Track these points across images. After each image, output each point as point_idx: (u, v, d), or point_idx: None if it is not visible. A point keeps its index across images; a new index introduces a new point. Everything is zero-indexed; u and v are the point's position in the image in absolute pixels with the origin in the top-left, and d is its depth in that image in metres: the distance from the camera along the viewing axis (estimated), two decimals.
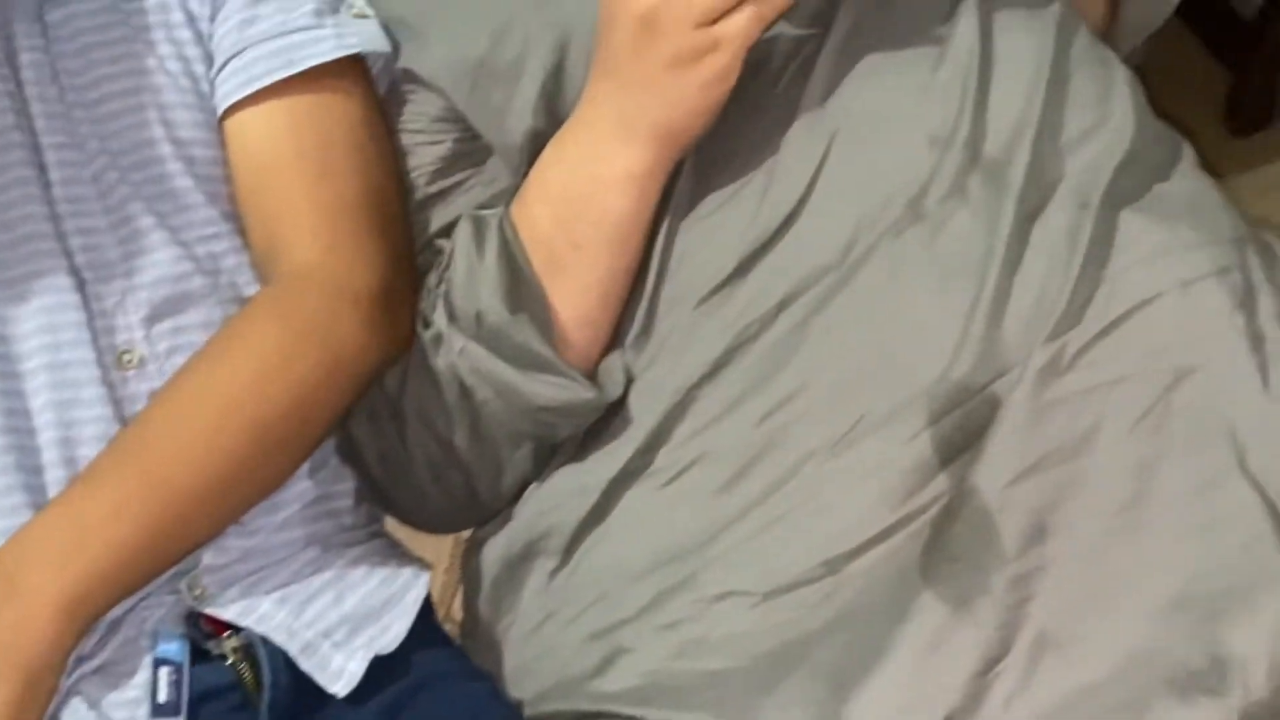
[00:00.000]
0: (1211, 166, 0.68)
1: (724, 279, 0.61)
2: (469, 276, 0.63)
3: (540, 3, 0.65)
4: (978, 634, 0.54)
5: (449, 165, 0.69)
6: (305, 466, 0.64)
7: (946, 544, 0.55)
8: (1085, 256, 0.58)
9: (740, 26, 0.54)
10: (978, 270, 0.58)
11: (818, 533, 0.57)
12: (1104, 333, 0.57)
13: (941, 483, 0.56)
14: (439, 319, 0.64)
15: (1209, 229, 0.61)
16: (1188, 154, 0.66)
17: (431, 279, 0.66)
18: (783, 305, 0.60)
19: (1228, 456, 0.56)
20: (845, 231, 0.60)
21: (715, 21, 0.54)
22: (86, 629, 0.55)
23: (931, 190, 0.60)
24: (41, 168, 0.61)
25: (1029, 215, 0.59)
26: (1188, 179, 0.64)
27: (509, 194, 0.67)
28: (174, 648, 0.59)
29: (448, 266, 0.65)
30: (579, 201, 0.62)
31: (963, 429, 0.57)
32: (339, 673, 0.61)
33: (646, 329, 0.64)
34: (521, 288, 0.62)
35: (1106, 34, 0.74)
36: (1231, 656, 0.53)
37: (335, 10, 0.67)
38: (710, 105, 0.58)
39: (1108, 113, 0.63)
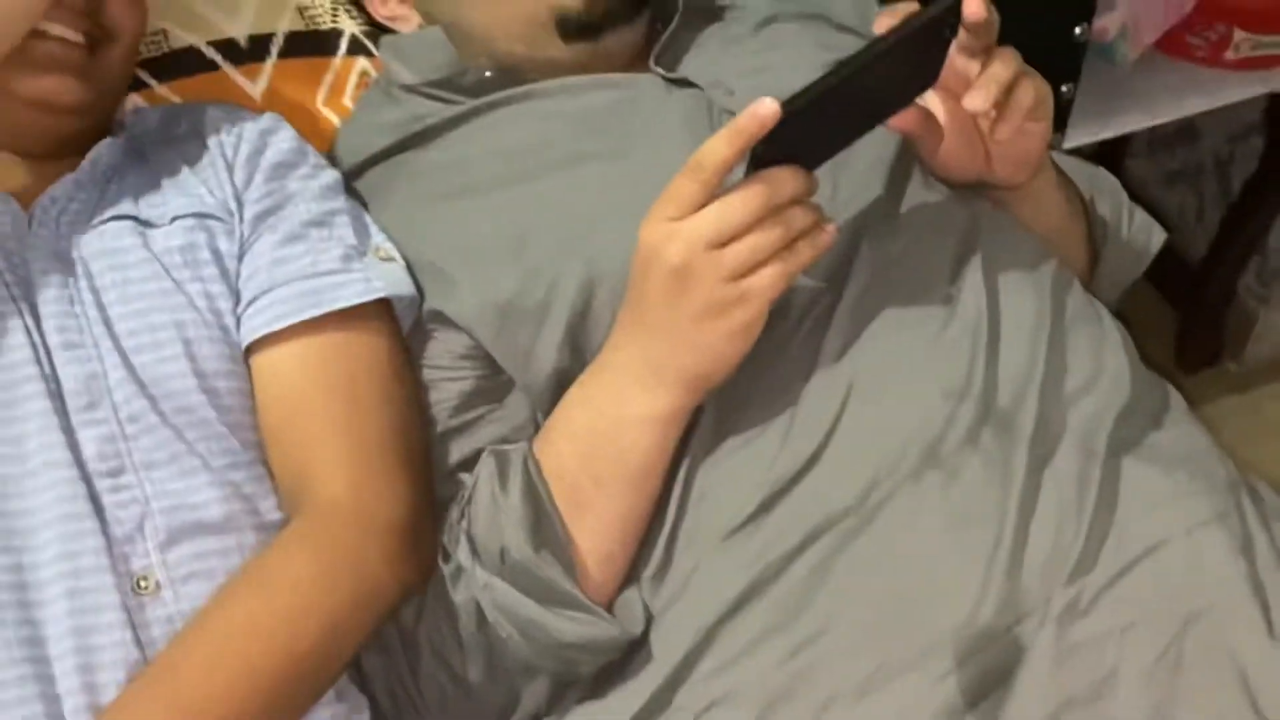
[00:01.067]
0: None
1: (746, 518, 0.62)
2: (493, 512, 0.64)
3: (567, 247, 0.68)
4: None
5: (470, 401, 0.70)
6: (329, 695, 0.63)
7: None
8: (1095, 504, 0.60)
9: (768, 281, 0.57)
10: (995, 517, 0.60)
11: None
12: (1118, 578, 0.59)
13: None
14: (461, 553, 0.64)
15: (1205, 475, 0.64)
16: (1177, 400, 0.70)
17: (454, 513, 0.67)
18: (804, 546, 0.61)
19: (1241, 700, 0.57)
20: (864, 477, 0.62)
21: (744, 276, 0.57)
22: None
23: (947, 440, 0.62)
24: (62, 397, 0.62)
25: (1039, 464, 0.62)
26: (1180, 426, 0.68)
27: (528, 429, 0.69)
28: None
29: (469, 501, 0.66)
30: (603, 441, 0.63)
31: (988, 673, 0.57)
32: None
33: (665, 565, 0.64)
34: (545, 524, 0.63)
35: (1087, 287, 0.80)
36: None
37: (363, 254, 0.70)
38: (735, 355, 0.60)
39: (1103, 364, 0.67)
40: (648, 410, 0.62)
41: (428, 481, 0.68)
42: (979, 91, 0.61)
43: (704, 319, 0.59)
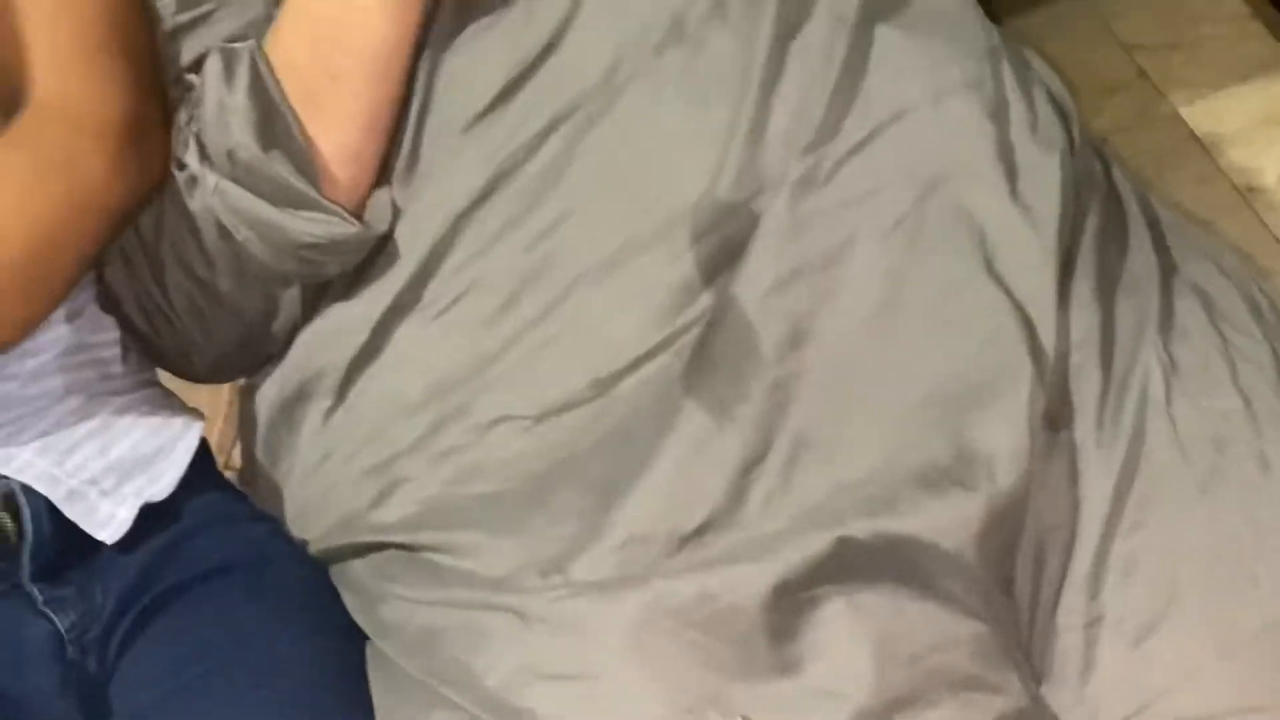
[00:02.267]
0: None
1: (488, 105, 0.60)
2: (219, 112, 0.59)
3: None
4: (737, 438, 0.55)
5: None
6: (60, 312, 0.61)
7: (709, 356, 0.56)
8: (840, 71, 0.59)
9: None
10: (737, 89, 0.58)
11: (587, 355, 0.58)
12: (859, 146, 0.58)
13: (706, 299, 0.57)
14: (191, 158, 0.60)
15: (962, 42, 0.62)
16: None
17: (182, 116, 0.62)
18: (548, 131, 0.59)
19: (976, 260, 0.58)
20: (608, 54, 0.59)
21: None
22: None
23: (691, 10, 0.59)
24: None
25: (788, 33, 0.59)
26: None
27: (263, 25, 0.63)
28: None
29: (198, 103, 0.61)
30: (334, 29, 0.59)
31: (725, 246, 0.57)
32: (107, 520, 0.60)
33: (412, 161, 0.62)
34: (276, 122, 0.59)
35: None
36: (977, 450, 0.55)
37: None
38: None
39: None
40: None
41: (154, 80, 0.62)
42: None
43: None
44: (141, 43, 0.62)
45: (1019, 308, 0.57)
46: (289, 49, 0.60)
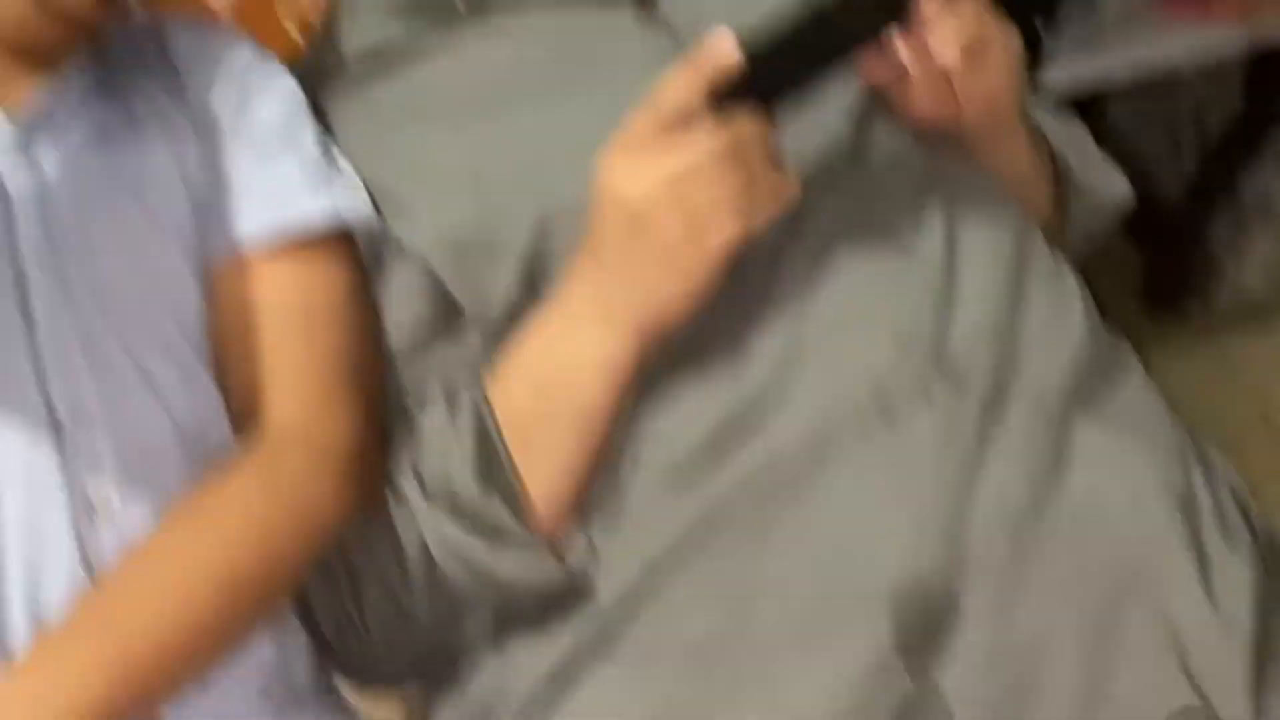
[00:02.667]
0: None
1: (689, 459, 0.62)
2: (443, 453, 0.64)
3: (524, 178, 0.66)
4: None
5: (423, 330, 0.69)
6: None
7: None
8: (1044, 463, 0.61)
9: (727, 230, 0.56)
10: (941, 473, 0.60)
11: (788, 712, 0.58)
12: (1060, 539, 0.60)
13: (904, 683, 0.57)
14: (411, 490, 0.64)
15: (1153, 438, 0.65)
16: (1133, 362, 0.70)
17: (400, 444, 0.67)
18: (748, 495, 0.62)
19: (1170, 660, 0.59)
20: (813, 426, 0.61)
21: (703, 222, 0.56)
22: None
23: (898, 389, 0.62)
24: (28, 314, 0.61)
25: (991, 420, 0.62)
26: (1133, 387, 0.68)
27: (479, 363, 0.68)
28: None
29: (419, 437, 0.66)
30: (553, 382, 0.63)
31: (925, 627, 0.58)
32: None
33: (612, 507, 0.64)
34: (495, 466, 0.63)
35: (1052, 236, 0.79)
36: None
37: (329, 179, 0.68)
38: (690, 302, 0.59)
39: (1061, 319, 0.67)
40: (598, 353, 0.62)
41: (380, 409, 0.68)
42: (944, 43, 0.60)
43: (660, 263, 0.58)
44: (375, 374, 0.68)
45: (1210, 710, 0.57)
46: (510, 395, 0.64)
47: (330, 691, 0.71)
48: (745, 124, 0.56)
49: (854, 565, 0.60)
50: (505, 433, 0.63)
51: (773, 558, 0.61)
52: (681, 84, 0.55)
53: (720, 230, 0.56)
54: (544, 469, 0.63)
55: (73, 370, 0.61)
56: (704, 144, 0.55)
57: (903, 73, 0.63)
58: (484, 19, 0.71)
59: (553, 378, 0.63)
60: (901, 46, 0.62)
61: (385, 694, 0.77)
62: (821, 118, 0.66)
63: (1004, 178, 0.74)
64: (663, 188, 0.55)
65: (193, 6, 0.85)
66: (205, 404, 0.65)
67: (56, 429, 0.60)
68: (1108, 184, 0.84)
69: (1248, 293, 1.69)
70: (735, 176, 0.55)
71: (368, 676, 0.72)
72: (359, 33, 0.75)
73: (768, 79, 0.57)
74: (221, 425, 0.66)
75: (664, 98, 0.55)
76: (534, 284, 0.66)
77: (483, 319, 0.68)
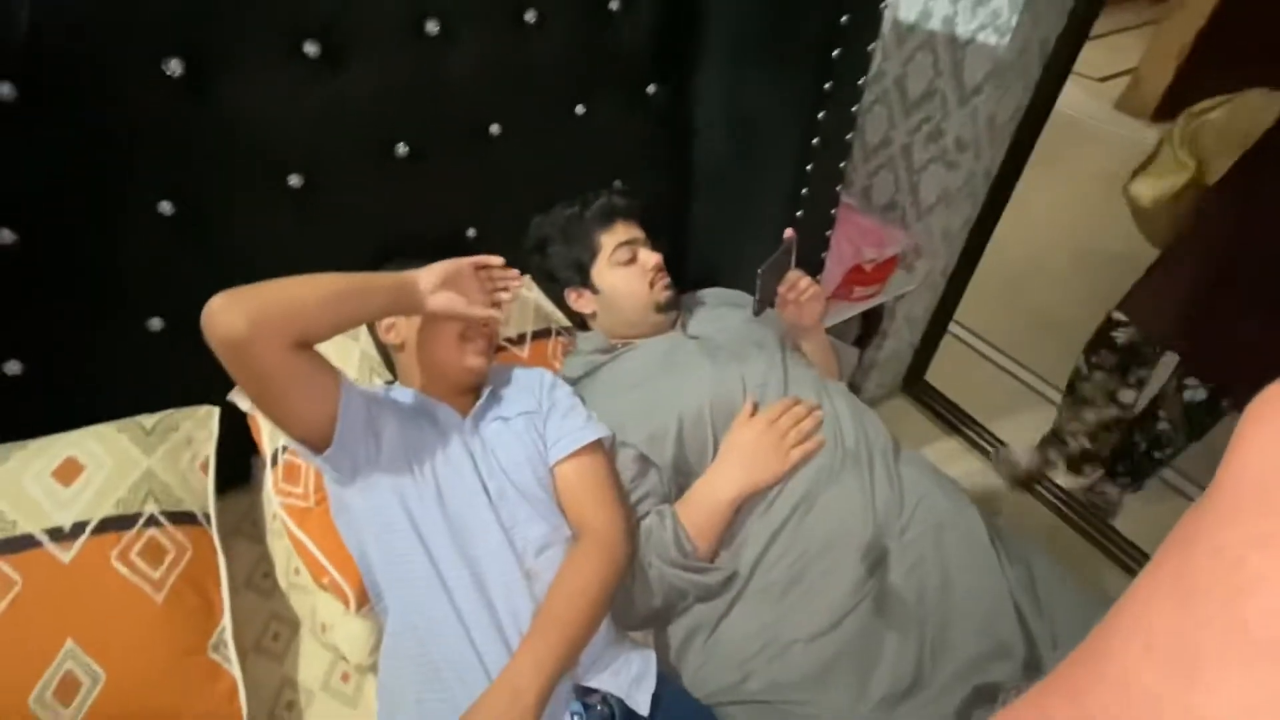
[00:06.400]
0: None
1: (784, 521, 1.42)
2: (662, 542, 1.39)
3: (669, 408, 1.47)
4: (913, 645, 1.27)
5: (637, 478, 1.47)
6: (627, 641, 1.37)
7: (882, 608, 1.33)
8: (898, 486, 1.42)
9: (793, 441, 1.42)
10: (860, 499, 1.39)
11: (825, 608, 1.35)
12: (912, 512, 1.39)
13: (872, 583, 1.35)
14: (652, 556, 1.41)
15: (927, 470, 1.49)
16: (903, 444, 1.58)
17: (643, 535, 1.43)
18: (789, 517, 1.41)
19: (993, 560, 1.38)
20: (805, 485, 1.45)
21: (785, 438, 1.42)
22: (544, 707, 1.11)
23: (834, 467, 1.45)
24: (489, 496, 1.28)
25: (870, 472, 1.43)
26: (913, 455, 1.54)
27: (660, 489, 1.47)
28: (576, 705, 1.19)
29: (649, 535, 1.40)
30: (711, 504, 1.41)
31: (875, 559, 1.36)
32: (641, 703, 1.24)
33: (737, 541, 1.44)
34: (684, 544, 1.39)
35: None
36: None
37: (591, 419, 1.43)
38: (778, 475, 1.40)
39: (878, 428, 1.55)
40: (729, 495, 1.40)
41: (630, 514, 1.42)
42: (791, 292, 1.59)
43: (770, 453, 1.39)
44: (627, 500, 1.45)
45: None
46: (691, 515, 1.43)
47: (620, 633, 1.38)
48: (792, 404, 1.47)
49: (846, 534, 1.37)
50: (688, 524, 1.42)
51: (810, 535, 1.38)
52: (743, 413, 1.45)
53: (792, 442, 1.40)
54: (706, 539, 1.42)
55: (512, 510, 1.28)
56: (778, 408, 1.43)
57: (784, 301, 1.56)
58: (629, 351, 1.59)
59: (711, 502, 1.41)
60: (789, 291, 1.56)
61: (643, 630, 1.49)
62: (771, 353, 1.54)
63: (818, 353, 1.70)
64: (767, 422, 1.42)
65: (531, 359, 1.75)
66: (561, 523, 1.32)
67: (509, 538, 1.24)
68: (851, 354, 1.97)
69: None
70: (790, 419, 1.42)
71: (636, 625, 1.44)
72: (580, 360, 1.65)
73: (766, 287, 1.51)
74: (565, 530, 1.32)
75: (740, 416, 1.45)
76: (681, 448, 1.47)
77: (662, 466, 1.48)
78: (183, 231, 1.34)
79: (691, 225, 2.04)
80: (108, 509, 1.24)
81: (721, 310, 1.77)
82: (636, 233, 1.65)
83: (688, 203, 2.01)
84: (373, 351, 1.57)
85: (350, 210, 1.50)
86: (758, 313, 1.57)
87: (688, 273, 2.02)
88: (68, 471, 1.25)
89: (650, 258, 1.63)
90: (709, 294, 1.87)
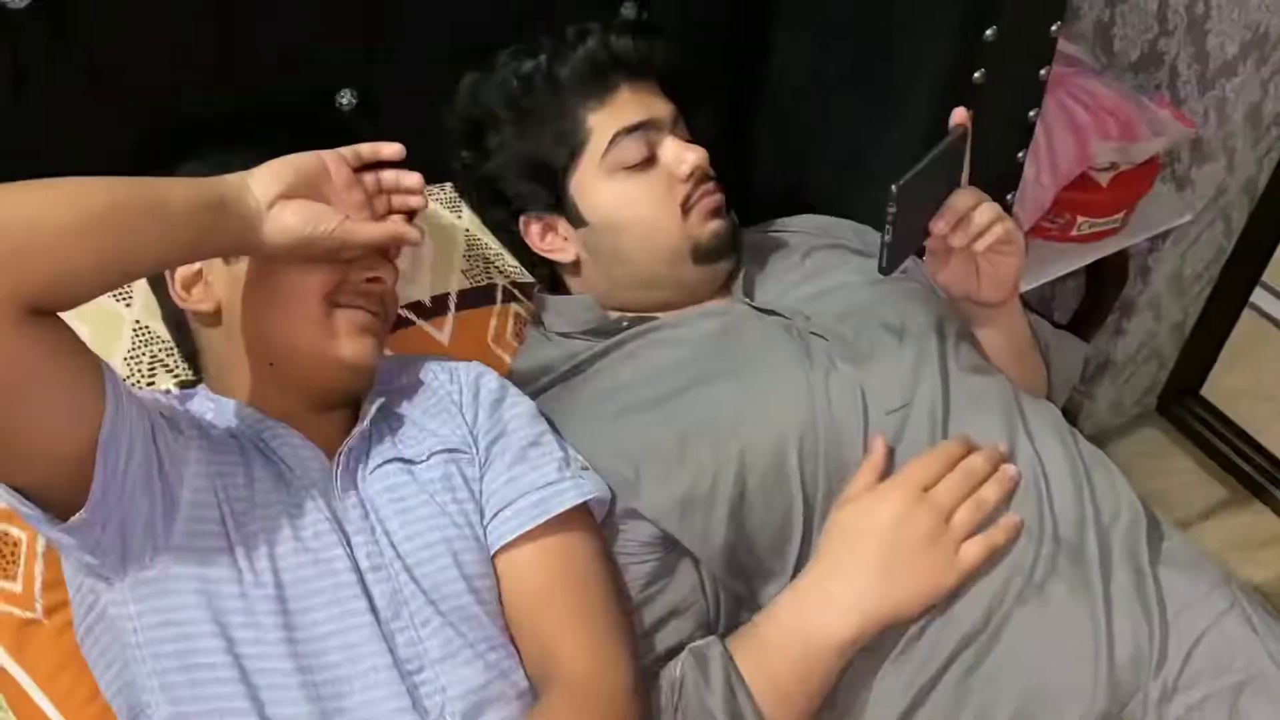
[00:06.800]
0: None
1: (902, 646, 0.86)
2: (699, 700, 0.85)
3: (720, 448, 0.88)
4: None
5: (653, 578, 0.89)
6: None
7: None
8: (1156, 610, 0.86)
9: (964, 517, 0.86)
10: (1088, 627, 0.84)
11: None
12: (1184, 665, 0.84)
13: None
14: None
15: (1211, 574, 0.91)
16: (1162, 516, 0.97)
17: (665, 697, 0.86)
18: (949, 662, 0.85)
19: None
20: (983, 605, 0.85)
21: (948, 517, 0.85)
22: None
23: (1037, 570, 0.87)
24: (375, 611, 0.83)
25: (1106, 581, 0.87)
26: (1175, 536, 0.95)
27: (693, 597, 0.91)
28: None
29: (680, 693, 0.86)
30: (797, 654, 0.85)
31: None
32: None
33: (837, 696, 0.87)
34: (743, 707, 0.85)
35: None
36: None
37: (569, 465, 0.88)
38: (933, 593, 0.84)
39: (1119, 494, 0.93)
40: (839, 641, 0.84)
41: (636, 646, 0.86)
42: (958, 232, 0.91)
43: (922, 552, 0.84)
44: (629, 621, 0.86)
45: None
46: (775, 675, 0.85)
47: None
48: (953, 443, 0.89)
49: (1046, 705, 0.83)
50: (756, 679, 0.85)
51: (979, 707, 0.84)
52: (868, 469, 0.88)
53: (959, 518, 0.85)
54: (793, 708, 0.86)
55: (415, 650, 0.82)
56: (932, 458, 0.88)
57: (945, 247, 0.93)
58: (644, 334, 1.02)
59: (803, 640, 0.85)
60: (951, 231, 0.91)
61: None
62: (922, 347, 0.98)
63: (1013, 347, 1.06)
64: (915, 489, 0.86)
65: (427, 344, 1.11)
66: (505, 659, 0.85)
67: (413, 690, 0.80)
68: (1073, 348, 1.19)
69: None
70: (960, 476, 0.87)
71: None
72: (550, 349, 1.03)
73: (905, 217, 0.86)
74: (518, 674, 0.85)
75: (863, 474, 0.88)
76: (740, 524, 0.88)
77: (705, 558, 0.89)
78: None
79: (763, 97, 1.31)
80: None
81: (822, 260, 1.10)
82: (659, 107, 1.02)
83: (757, 53, 1.27)
84: (158, 326, 1.05)
85: (121, 51, 0.99)
86: (889, 269, 0.91)
87: (755, 190, 1.30)
88: None
89: (685, 154, 1.01)
90: (798, 226, 1.20)
